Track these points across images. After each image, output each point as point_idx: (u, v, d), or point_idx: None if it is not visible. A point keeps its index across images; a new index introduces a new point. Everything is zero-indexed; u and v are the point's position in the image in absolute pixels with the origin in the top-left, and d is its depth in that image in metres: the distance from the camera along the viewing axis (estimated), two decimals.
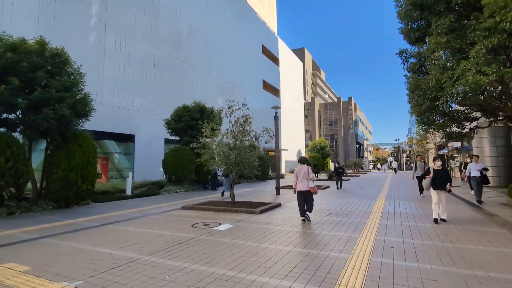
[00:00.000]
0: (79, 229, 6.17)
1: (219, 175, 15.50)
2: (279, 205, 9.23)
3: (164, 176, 15.25)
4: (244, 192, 13.97)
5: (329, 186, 16.35)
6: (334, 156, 40.17)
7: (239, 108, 8.81)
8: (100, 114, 14.33)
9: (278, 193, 12.76)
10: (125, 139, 16.31)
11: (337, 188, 15.00)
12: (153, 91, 17.75)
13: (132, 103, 16.27)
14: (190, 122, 14.64)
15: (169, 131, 15.41)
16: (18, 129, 8.20)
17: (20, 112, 7.82)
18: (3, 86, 7.06)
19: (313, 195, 6.73)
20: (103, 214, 8.06)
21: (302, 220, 6.64)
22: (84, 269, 3.70)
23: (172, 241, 5.03)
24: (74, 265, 3.83)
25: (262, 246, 4.73)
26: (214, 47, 24.56)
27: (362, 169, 49.45)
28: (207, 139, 9.12)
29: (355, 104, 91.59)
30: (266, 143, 9.08)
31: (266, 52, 36.17)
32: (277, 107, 13.52)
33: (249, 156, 8.53)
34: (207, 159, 8.79)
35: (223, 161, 8.61)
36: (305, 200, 6.73)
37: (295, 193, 6.88)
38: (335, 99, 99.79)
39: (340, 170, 15.72)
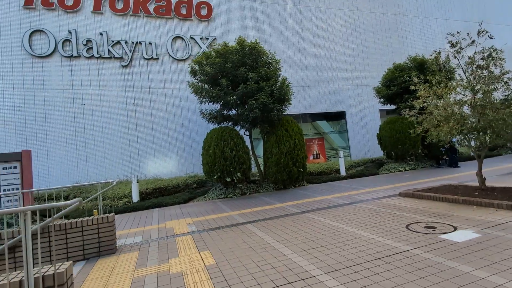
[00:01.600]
0: (280, 215, 6.05)
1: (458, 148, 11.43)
2: None
3: (383, 152, 13.33)
4: (504, 170, 9.28)
5: None
6: None
7: (473, 42, 5.44)
8: (308, 96, 14.71)
9: None
10: (337, 117, 15.83)
11: None
12: (358, 60, 16.00)
13: (337, 79, 15.45)
14: (404, 84, 11.67)
15: (381, 99, 13.18)
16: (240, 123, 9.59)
17: (235, 107, 9.05)
18: (217, 88, 8.40)
19: None
20: (310, 198, 7.77)
21: None
22: (253, 282, 3.13)
23: (368, 252, 3.54)
24: (245, 271, 3.37)
25: None
26: None
27: None
28: (427, 101, 6.43)
29: None
30: None
31: None
32: None
33: (505, 115, 5.04)
34: (428, 128, 6.18)
35: (455, 129, 5.69)
36: None
37: None
38: None
39: None
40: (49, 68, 11.04)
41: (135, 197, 9.01)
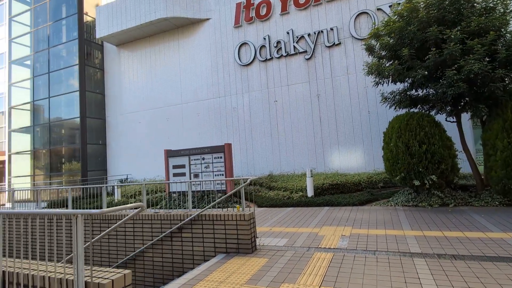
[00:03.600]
0: (490, 256, 3.64)
1: None
2: None
3: None
4: None
5: None
6: None
7: None
8: None
9: None
10: None
11: None
12: None
13: None
14: None
15: None
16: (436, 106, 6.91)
17: (428, 83, 6.52)
18: (396, 61, 6.31)
19: None
20: None
21: None
22: None
23: None
24: None
25: None
26: None
27: None
28: None
29: None
30: None
31: None
32: None
33: None
34: None
35: None
36: None
37: None
38: None
39: None
40: (252, 73, 13.02)
41: (310, 192, 8.79)
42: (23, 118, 18.07)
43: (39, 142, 17.34)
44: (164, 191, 11.07)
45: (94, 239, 2.76)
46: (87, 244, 3.03)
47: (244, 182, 5.27)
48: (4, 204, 15.34)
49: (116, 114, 16.47)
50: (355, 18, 10.99)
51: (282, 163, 12.18)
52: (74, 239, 2.02)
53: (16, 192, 9.82)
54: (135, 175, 15.33)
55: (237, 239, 4.52)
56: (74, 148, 16.36)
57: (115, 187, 11.75)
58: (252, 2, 12.99)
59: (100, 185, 7.11)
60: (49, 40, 17.53)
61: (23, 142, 18.06)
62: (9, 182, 18.44)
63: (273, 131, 12.45)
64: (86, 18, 17.04)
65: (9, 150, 18.59)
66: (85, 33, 16.80)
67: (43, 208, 11.50)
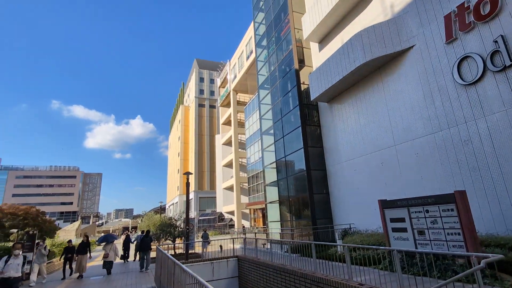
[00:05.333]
0: None
1: None
2: None
3: None
4: None
5: None
6: None
7: None
8: None
9: None
10: None
11: None
12: None
13: None
14: None
15: None
16: None
17: None
18: None
19: None
20: None
21: None
22: None
23: None
24: None
25: None
26: None
27: None
28: None
29: None
30: None
31: None
32: None
33: None
34: None
35: None
36: None
37: None
38: None
39: None
40: (484, 91, 9.75)
41: None
42: (272, 174, 23.31)
43: (282, 193, 21.43)
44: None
45: None
46: None
47: (479, 263, 3.66)
48: (265, 244, 19.86)
49: (334, 163, 17.52)
50: None
51: None
52: None
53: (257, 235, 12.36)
54: (358, 224, 15.01)
55: None
56: (305, 198, 18.74)
57: (337, 240, 12.05)
58: (466, 5, 10.33)
59: (310, 241, 7.53)
60: (281, 111, 22.31)
61: (273, 193, 23.04)
62: (267, 225, 23.81)
63: None
64: (303, 87, 20.35)
65: (266, 199, 24.24)
66: (304, 99, 19.97)
67: (285, 252, 13.62)
